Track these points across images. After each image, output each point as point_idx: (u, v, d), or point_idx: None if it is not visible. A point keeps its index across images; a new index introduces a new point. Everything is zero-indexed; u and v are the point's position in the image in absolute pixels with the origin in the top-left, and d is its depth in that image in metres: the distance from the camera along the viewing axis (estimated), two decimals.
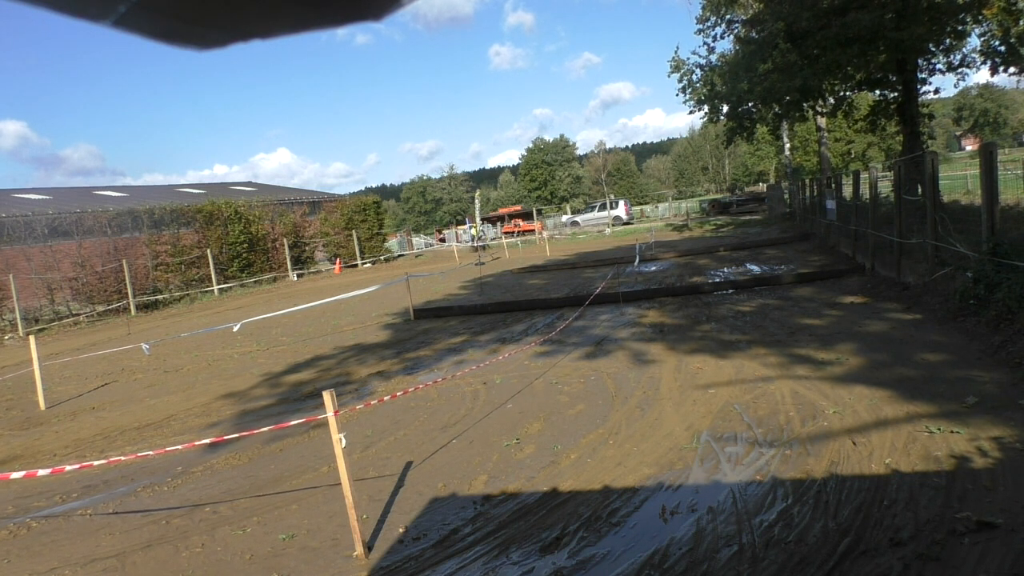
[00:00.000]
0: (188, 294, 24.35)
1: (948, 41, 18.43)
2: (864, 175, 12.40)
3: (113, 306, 21.71)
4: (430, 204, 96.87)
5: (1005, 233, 7.41)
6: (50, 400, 8.96)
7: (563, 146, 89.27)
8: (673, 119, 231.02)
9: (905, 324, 7.39)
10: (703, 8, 26.09)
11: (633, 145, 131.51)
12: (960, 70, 19.77)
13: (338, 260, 30.81)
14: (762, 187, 48.97)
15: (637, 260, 17.28)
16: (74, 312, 21.27)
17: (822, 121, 30.79)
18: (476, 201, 46.58)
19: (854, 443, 4.32)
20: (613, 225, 39.72)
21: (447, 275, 19.43)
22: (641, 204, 60.79)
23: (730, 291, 11.47)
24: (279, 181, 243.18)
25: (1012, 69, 18.42)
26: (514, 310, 12.26)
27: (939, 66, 19.88)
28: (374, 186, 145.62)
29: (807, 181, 25.08)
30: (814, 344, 7.01)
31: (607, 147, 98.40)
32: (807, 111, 22.89)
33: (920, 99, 19.38)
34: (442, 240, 46.73)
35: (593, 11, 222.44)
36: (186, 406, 7.91)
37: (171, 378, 9.80)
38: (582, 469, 4.54)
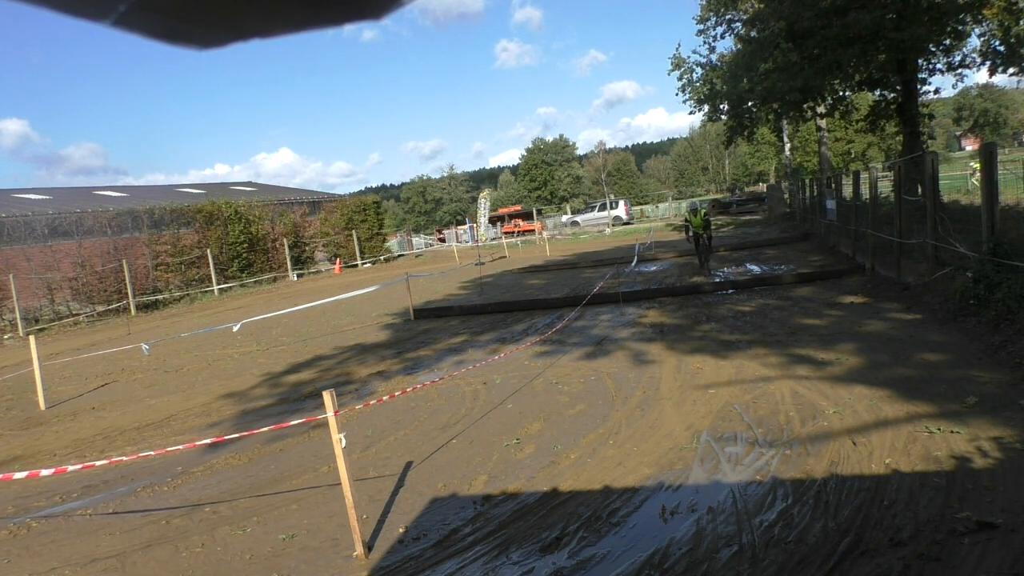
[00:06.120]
0: (188, 294, 24.34)
1: (948, 41, 18.44)
2: (864, 175, 12.40)
3: (113, 306, 21.71)
4: (430, 204, 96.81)
5: (1005, 233, 7.41)
6: (50, 400, 8.96)
7: (563, 146, 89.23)
8: (675, 118, 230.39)
9: (905, 324, 7.39)
10: (702, 8, 26.12)
11: (633, 145, 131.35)
12: (959, 71, 19.80)
13: (338, 260, 30.81)
14: (762, 187, 48.99)
15: (635, 260, 17.28)
16: (74, 312, 21.27)
17: (822, 121, 30.82)
18: (482, 202, 44.73)
19: (854, 443, 4.32)
20: (613, 225, 39.74)
21: (447, 275, 19.43)
22: (641, 204, 60.75)
23: (730, 291, 11.47)
24: (281, 181, 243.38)
25: (1012, 69, 18.43)
26: (514, 310, 12.26)
27: (939, 66, 19.91)
28: (375, 186, 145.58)
29: (807, 181, 25.09)
30: (814, 344, 7.01)
31: (608, 147, 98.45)
32: (807, 111, 22.91)
33: (920, 99, 19.40)
34: (442, 240, 46.67)
35: (601, 8, 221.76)
36: (186, 406, 7.91)
37: (171, 378, 9.80)
38: (582, 469, 4.54)
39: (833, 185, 16.33)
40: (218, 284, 25.56)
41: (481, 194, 48.05)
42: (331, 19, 0.46)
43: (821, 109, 22.93)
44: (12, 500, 5.37)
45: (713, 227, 15.27)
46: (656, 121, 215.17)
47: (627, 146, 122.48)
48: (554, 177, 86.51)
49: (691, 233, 14.38)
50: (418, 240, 43.89)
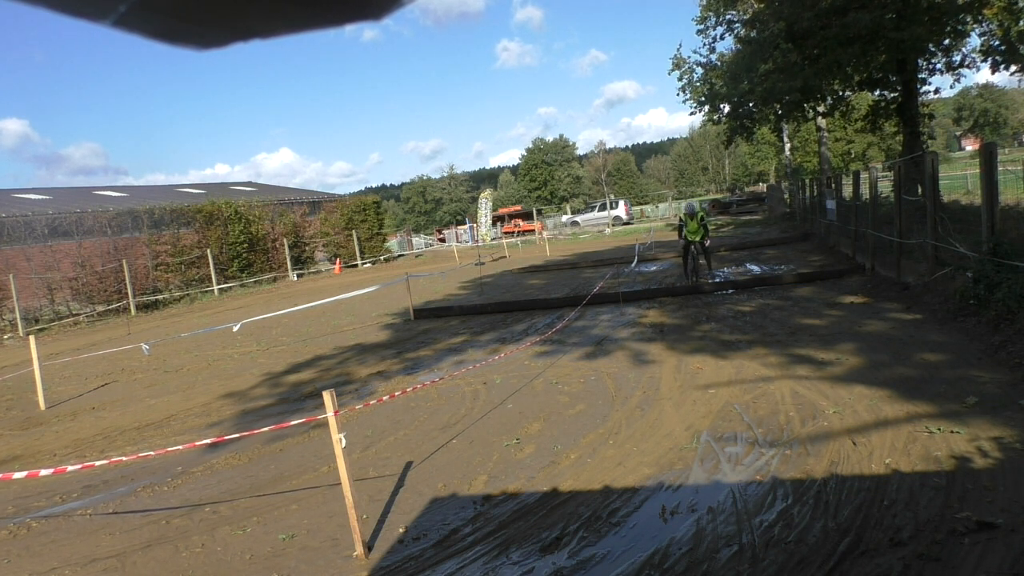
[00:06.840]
0: (188, 294, 24.34)
1: (948, 41, 18.44)
2: (864, 175, 12.40)
3: (113, 306, 21.70)
4: (430, 204, 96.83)
5: (1005, 233, 7.41)
6: (50, 400, 8.96)
7: (563, 146, 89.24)
8: (675, 118, 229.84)
9: (905, 324, 7.39)
10: (702, 8, 26.12)
11: (633, 145, 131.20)
12: (959, 70, 19.80)
13: (338, 260, 30.81)
14: (762, 187, 48.99)
15: (635, 260, 17.27)
16: (74, 312, 21.26)
17: (822, 121, 30.82)
18: (483, 202, 44.09)
19: (854, 443, 4.32)
20: (613, 225, 39.73)
21: (447, 275, 19.43)
22: (641, 204, 60.70)
23: (730, 291, 11.47)
24: (281, 180, 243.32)
25: (1013, 68, 18.43)
26: (514, 310, 12.25)
27: (939, 66, 19.91)
28: (375, 186, 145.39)
29: (807, 181, 25.08)
30: (814, 344, 7.01)
31: (608, 147, 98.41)
32: (808, 111, 22.90)
33: (920, 99, 19.40)
34: (442, 240, 46.61)
35: (602, 8, 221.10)
36: (186, 406, 7.91)
37: (171, 378, 9.80)
38: (582, 469, 4.54)
39: (833, 185, 16.33)
40: (218, 284, 25.56)
41: (483, 194, 47.59)
42: (331, 19, 0.46)
43: (821, 109, 22.92)
44: (12, 500, 5.37)
45: (711, 230, 13.63)
46: (656, 121, 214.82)
47: (627, 146, 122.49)
48: (554, 177, 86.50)
49: (683, 236, 12.78)
50: (418, 240, 43.82)
